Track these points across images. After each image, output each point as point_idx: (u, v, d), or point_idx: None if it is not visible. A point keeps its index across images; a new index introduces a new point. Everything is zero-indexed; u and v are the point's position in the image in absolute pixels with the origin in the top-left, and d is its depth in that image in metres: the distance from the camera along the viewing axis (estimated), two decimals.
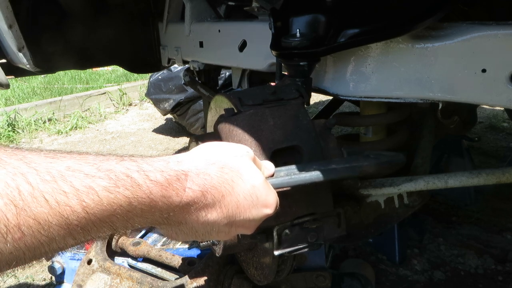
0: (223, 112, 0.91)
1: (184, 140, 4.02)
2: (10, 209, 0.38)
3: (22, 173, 0.40)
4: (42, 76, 6.72)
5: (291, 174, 0.75)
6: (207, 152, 0.62)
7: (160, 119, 4.74)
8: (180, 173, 0.54)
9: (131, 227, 0.50)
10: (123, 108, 5.39)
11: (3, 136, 4.20)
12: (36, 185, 0.40)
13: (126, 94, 5.54)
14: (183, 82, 2.78)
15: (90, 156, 0.48)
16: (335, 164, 0.79)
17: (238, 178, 0.60)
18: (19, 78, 4.98)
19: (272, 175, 0.74)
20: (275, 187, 0.70)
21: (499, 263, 1.93)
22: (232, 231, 0.64)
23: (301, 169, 0.77)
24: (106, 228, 0.47)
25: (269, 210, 0.65)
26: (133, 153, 3.77)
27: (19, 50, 1.66)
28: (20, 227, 0.39)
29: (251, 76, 1.62)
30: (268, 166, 0.75)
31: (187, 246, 1.57)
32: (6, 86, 1.77)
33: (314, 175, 0.75)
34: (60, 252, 0.45)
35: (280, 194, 0.69)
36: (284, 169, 0.77)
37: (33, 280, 2.06)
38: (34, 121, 4.59)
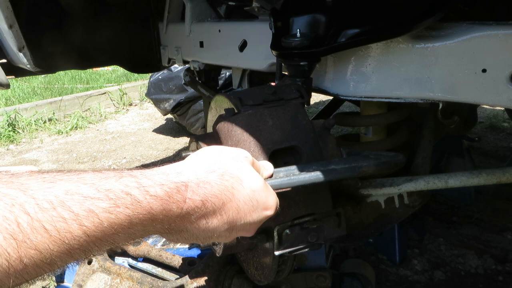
0: (224, 112, 0.91)
1: (184, 140, 4.02)
2: (10, 243, 0.38)
3: (20, 203, 0.40)
4: (42, 76, 6.72)
5: (290, 175, 0.75)
6: (207, 158, 0.63)
7: (160, 119, 4.74)
8: (180, 185, 0.54)
9: (132, 241, 0.51)
10: (123, 108, 5.39)
11: (3, 136, 4.20)
12: (34, 215, 0.40)
13: (126, 94, 5.54)
14: (183, 82, 2.78)
15: (88, 175, 0.47)
16: (335, 165, 0.79)
17: (238, 184, 0.61)
18: (19, 78, 5.00)
19: (271, 176, 0.74)
20: (274, 188, 0.70)
21: (499, 263, 1.93)
22: (233, 235, 0.64)
23: (300, 169, 0.77)
24: (107, 246, 0.47)
25: (270, 212, 0.65)
26: (133, 153, 3.76)
27: (20, 50, 1.66)
28: (22, 259, 0.38)
29: (251, 76, 1.62)
30: (267, 167, 0.75)
31: (187, 246, 1.57)
32: (7, 86, 1.77)
33: (314, 176, 0.75)
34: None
35: (279, 195, 0.69)
36: (283, 170, 0.77)
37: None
38: (35, 121, 4.60)
